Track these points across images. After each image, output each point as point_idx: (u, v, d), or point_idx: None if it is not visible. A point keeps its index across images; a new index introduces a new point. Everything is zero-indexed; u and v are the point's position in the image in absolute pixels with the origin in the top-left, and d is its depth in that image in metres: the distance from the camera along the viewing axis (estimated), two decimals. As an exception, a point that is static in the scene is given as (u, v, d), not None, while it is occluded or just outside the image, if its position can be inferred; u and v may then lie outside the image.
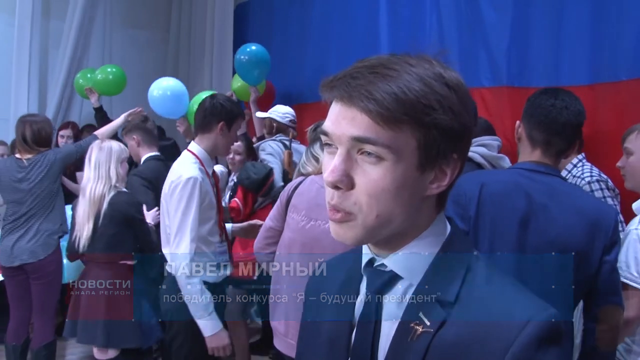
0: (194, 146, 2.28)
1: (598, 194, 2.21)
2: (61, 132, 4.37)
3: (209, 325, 2.12)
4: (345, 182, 0.65)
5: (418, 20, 3.17)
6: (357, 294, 0.76)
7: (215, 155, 2.37)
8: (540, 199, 1.41)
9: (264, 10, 4.86)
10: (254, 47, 4.00)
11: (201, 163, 2.22)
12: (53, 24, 4.82)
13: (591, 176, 2.24)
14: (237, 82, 4.25)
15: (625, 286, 1.64)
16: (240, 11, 5.11)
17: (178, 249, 2.10)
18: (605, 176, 2.25)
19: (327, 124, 0.67)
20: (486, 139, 1.95)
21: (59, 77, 4.68)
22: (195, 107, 2.46)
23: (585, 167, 2.32)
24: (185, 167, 2.18)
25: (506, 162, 1.91)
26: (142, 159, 3.13)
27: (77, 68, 4.65)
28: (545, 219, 1.40)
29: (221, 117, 2.25)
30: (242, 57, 3.96)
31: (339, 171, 0.64)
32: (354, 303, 0.76)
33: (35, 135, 2.95)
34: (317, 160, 2.11)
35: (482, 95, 2.65)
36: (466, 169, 1.87)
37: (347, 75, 0.64)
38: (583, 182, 2.25)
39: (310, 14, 4.21)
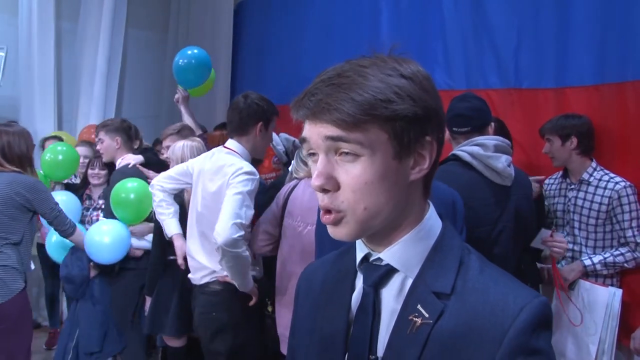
0: (236, 147, 2.16)
1: (628, 199, 2.24)
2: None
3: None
4: (330, 184, 0.69)
5: (422, 22, 3.16)
6: (352, 290, 0.79)
7: (252, 158, 2.23)
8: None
9: (263, 10, 4.84)
10: (196, 51, 3.57)
11: None
12: (60, 25, 4.82)
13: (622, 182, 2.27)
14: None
15: None
16: (240, 10, 5.09)
17: (227, 226, 1.94)
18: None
19: (305, 132, 0.71)
20: (482, 139, 1.92)
21: (93, 78, 4.68)
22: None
23: (604, 172, 2.34)
24: (247, 164, 2.08)
25: (500, 161, 1.86)
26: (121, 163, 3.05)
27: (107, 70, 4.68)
28: None
29: (259, 117, 2.15)
30: (181, 60, 3.47)
31: (322, 175, 0.68)
32: (350, 299, 0.78)
33: (4, 149, 2.47)
34: (305, 164, 2.13)
35: (490, 97, 2.65)
36: (454, 169, 1.90)
37: (308, 93, 0.69)
38: (614, 186, 2.26)
39: (310, 14, 4.19)
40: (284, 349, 2.14)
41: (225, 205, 1.99)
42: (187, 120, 3.35)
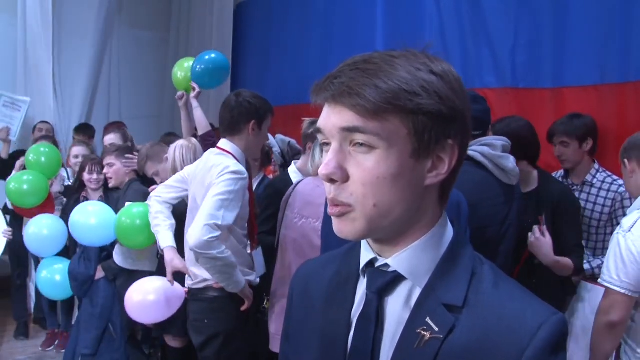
0: (230, 147, 2.10)
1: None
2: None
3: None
4: (338, 175, 0.64)
5: (419, 20, 3.15)
6: (353, 294, 0.74)
7: (246, 157, 2.17)
8: None
9: (263, 10, 4.85)
10: (213, 55, 3.40)
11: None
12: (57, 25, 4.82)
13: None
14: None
15: (608, 290, 1.67)
16: (240, 11, 5.10)
17: (198, 228, 1.86)
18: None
19: (320, 121, 0.68)
20: (489, 139, 1.92)
21: (82, 79, 4.72)
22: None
23: (607, 174, 2.32)
24: (235, 163, 2.02)
25: (510, 161, 1.88)
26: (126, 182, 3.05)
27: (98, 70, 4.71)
28: None
29: (251, 116, 2.09)
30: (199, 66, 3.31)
31: (331, 164, 0.65)
32: (351, 303, 0.73)
33: None
34: (313, 160, 2.13)
35: (487, 96, 2.61)
36: (467, 168, 1.89)
37: (331, 76, 0.65)
38: (618, 188, 2.24)
39: (310, 14, 4.20)
40: (272, 346, 2.12)
41: (202, 207, 1.92)
42: (198, 114, 3.28)
